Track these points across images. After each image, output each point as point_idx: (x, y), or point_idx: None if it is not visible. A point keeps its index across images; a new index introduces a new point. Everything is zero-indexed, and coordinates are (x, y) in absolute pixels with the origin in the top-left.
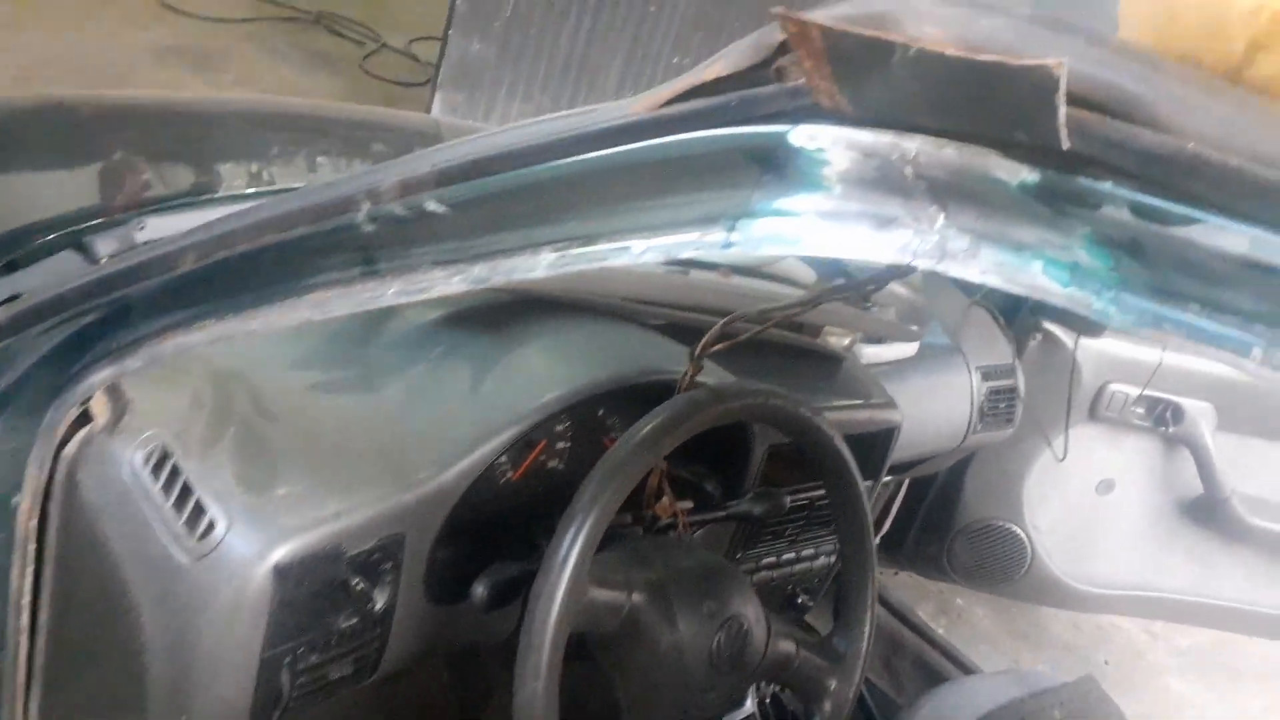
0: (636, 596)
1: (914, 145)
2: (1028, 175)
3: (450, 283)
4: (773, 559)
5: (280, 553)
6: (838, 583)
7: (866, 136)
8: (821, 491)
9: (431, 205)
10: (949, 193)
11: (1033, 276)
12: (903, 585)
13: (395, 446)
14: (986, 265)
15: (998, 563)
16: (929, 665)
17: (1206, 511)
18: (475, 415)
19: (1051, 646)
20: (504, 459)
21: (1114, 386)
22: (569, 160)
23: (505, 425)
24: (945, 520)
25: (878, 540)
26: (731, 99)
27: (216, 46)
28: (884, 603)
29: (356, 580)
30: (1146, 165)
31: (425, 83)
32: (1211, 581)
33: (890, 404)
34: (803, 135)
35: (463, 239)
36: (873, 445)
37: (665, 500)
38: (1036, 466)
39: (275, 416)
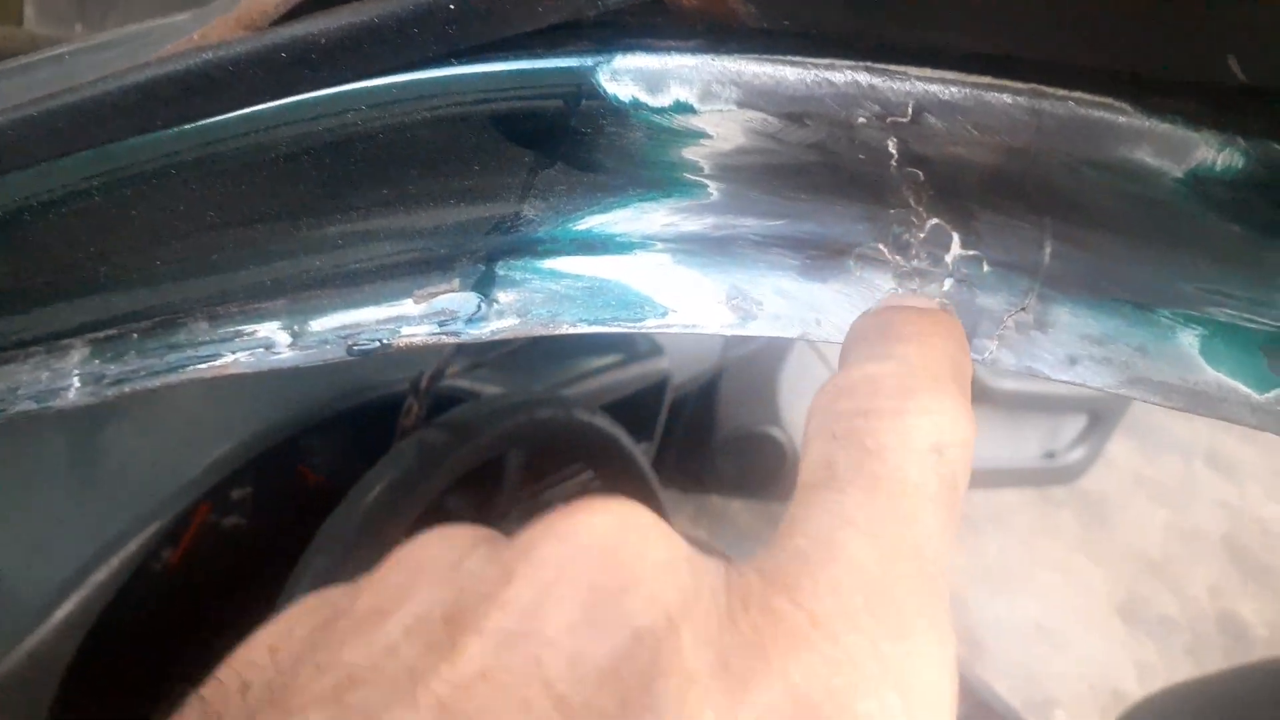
0: None
1: (908, 89)
2: (1218, 153)
3: None
4: None
5: None
6: None
7: (791, 73)
8: (593, 473)
9: None
10: (979, 192)
11: (1175, 363)
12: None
13: None
14: (1069, 343)
15: (758, 471)
16: None
17: None
18: (85, 523)
19: None
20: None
21: None
22: (65, 163)
23: (121, 533)
24: (705, 434)
25: None
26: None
27: None
28: None
29: None
30: None
31: None
32: None
33: (657, 351)
34: (633, 74)
35: None
36: (644, 403)
37: None
38: (789, 366)
39: None
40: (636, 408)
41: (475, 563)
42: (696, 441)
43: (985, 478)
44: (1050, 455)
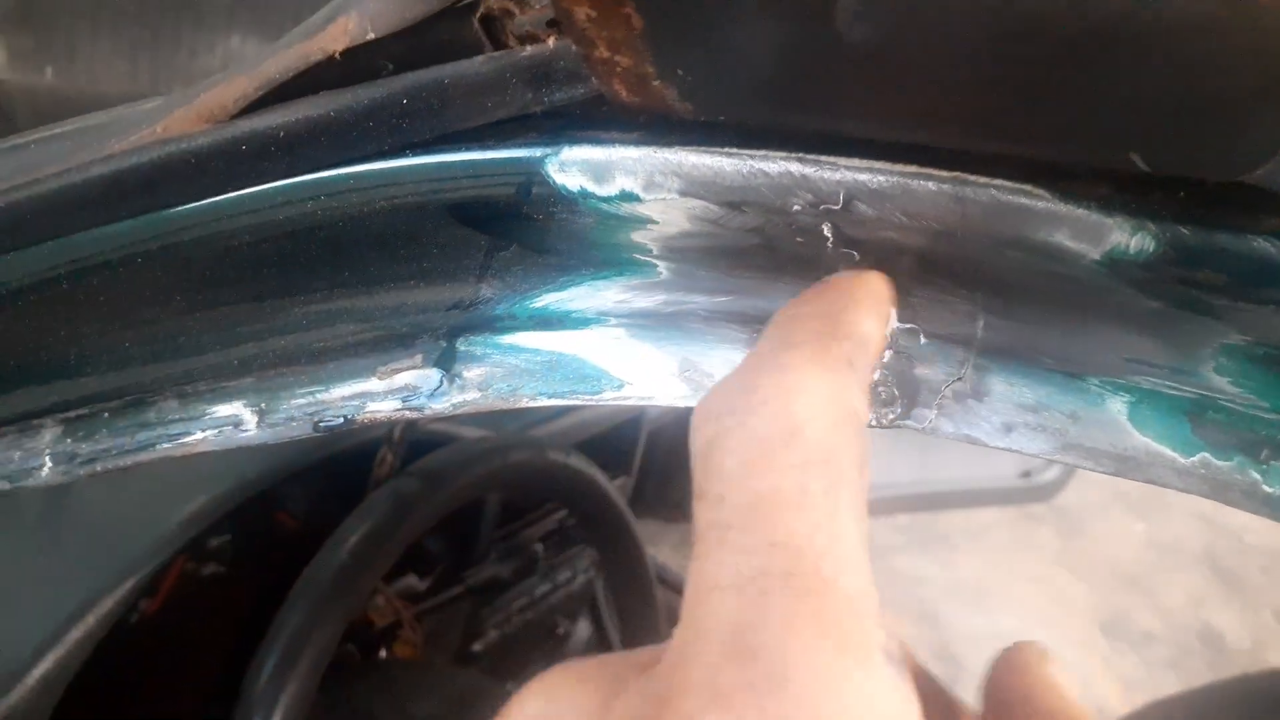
0: None
1: (838, 178)
2: (1130, 237)
3: None
4: (525, 599)
5: None
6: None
7: (728, 164)
8: (568, 510)
9: None
10: (912, 270)
11: (1105, 429)
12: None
13: None
14: (1005, 411)
15: None
16: None
17: None
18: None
19: None
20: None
21: None
22: (31, 252)
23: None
24: (684, 463)
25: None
26: (394, 92)
27: None
28: None
29: None
30: None
31: None
32: (931, 467)
33: None
34: (580, 165)
35: None
36: (620, 438)
37: (380, 600)
38: None
39: None
40: (613, 442)
41: None
42: (676, 471)
43: (962, 498)
44: (1026, 475)
